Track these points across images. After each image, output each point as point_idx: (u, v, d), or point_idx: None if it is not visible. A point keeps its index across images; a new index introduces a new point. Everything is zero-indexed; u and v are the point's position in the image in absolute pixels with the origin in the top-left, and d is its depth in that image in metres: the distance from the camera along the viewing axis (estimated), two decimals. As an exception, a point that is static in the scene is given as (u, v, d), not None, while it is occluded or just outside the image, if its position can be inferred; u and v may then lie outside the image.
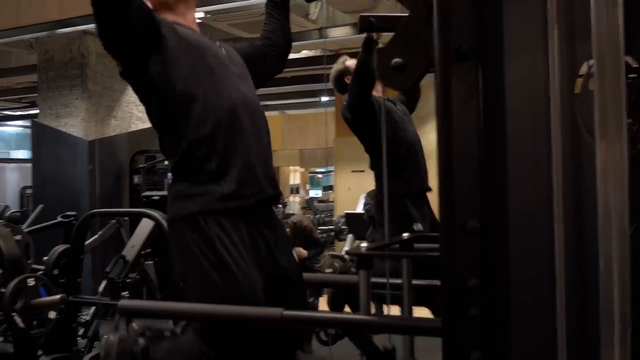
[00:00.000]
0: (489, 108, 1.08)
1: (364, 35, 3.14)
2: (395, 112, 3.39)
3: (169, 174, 6.25)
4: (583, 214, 1.10)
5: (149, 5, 1.98)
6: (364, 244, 1.26)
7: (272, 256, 1.89)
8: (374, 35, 2.92)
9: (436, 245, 1.59)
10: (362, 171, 3.38)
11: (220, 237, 1.77)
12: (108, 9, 1.76)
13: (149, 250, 3.56)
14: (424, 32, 1.16)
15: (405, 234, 1.43)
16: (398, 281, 1.39)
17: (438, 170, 1.07)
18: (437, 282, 1.78)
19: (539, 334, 1.06)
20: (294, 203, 13.44)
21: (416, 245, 1.45)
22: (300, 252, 4.99)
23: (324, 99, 9.94)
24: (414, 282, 1.38)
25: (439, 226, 1.10)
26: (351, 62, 3.34)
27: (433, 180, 2.75)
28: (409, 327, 1.27)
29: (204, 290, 1.78)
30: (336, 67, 3.50)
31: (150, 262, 3.67)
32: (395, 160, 3.04)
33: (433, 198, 3.26)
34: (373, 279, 1.29)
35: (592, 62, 1.05)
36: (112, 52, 1.88)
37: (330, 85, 3.65)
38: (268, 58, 2.24)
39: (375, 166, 3.36)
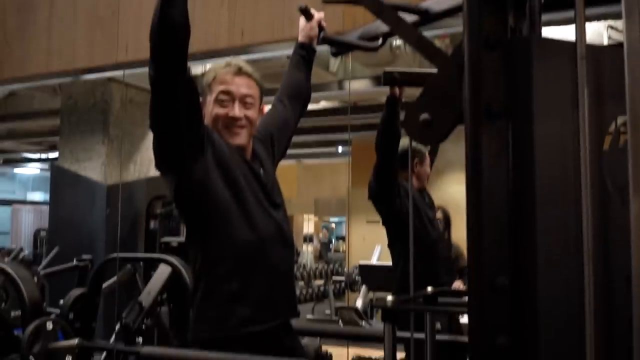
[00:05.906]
0: (519, 166, 1.09)
1: (381, 88, 3.15)
2: (422, 207, 3.33)
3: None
4: (613, 272, 1.10)
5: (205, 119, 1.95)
6: (390, 298, 1.26)
7: None
8: (397, 92, 2.93)
9: (460, 299, 1.59)
10: (378, 222, 3.37)
11: None
12: (169, 101, 1.74)
13: (165, 296, 3.55)
14: (453, 89, 1.19)
15: (430, 288, 1.42)
16: (422, 335, 1.38)
17: (467, 226, 1.08)
18: (462, 337, 1.77)
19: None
20: (307, 252, 13.40)
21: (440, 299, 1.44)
22: None
23: (341, 149, 10.00)
24: (439, 337, 1.37)
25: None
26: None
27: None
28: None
29: None
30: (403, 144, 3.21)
31: (165, 308, 3.66)
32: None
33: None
34: (399, 333, 1.29)
35: (621, 119, 1.07)
36: (164, 163, 1.86)
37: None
38: (289, 117, 2.26)
39: (391, 245, 3.35)
